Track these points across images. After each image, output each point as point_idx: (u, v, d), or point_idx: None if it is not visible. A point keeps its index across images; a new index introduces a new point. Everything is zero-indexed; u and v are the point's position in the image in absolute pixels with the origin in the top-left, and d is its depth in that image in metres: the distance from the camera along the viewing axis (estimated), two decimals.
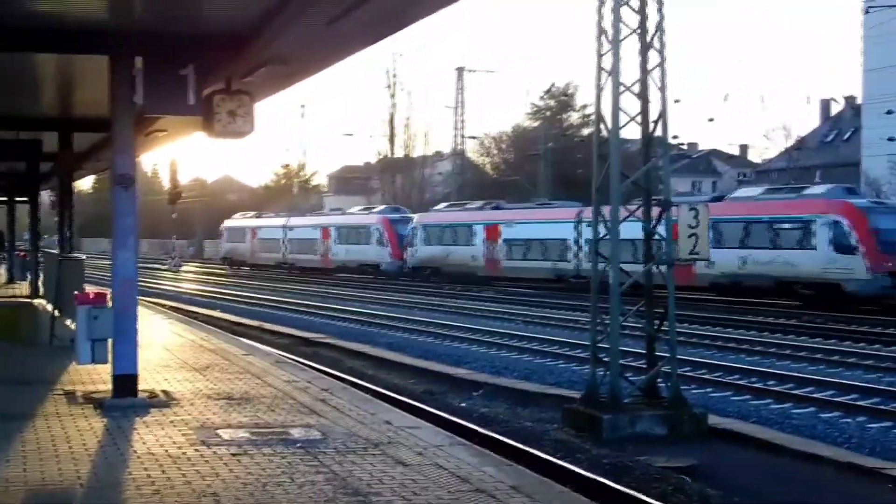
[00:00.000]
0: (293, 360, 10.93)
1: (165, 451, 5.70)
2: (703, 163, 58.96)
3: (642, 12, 9.37)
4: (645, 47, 9.40)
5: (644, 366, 10.58)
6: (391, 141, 64.64)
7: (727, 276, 24.33)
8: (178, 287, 32.98)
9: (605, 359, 9.39)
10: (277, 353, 11.29)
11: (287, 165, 76.52)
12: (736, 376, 12.74)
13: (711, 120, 78.26)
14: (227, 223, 52.45)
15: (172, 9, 6.52)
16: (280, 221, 47.13)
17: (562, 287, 29.47)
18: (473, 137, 57.58)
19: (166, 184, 53.32)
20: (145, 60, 7.32)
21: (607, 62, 9.32)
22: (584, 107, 56.98)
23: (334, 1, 5.44)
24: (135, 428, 6.48)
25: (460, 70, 53.65)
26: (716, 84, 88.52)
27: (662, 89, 9.32)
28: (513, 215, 33.01)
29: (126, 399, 7.57)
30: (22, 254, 14.73)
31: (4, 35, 7.09)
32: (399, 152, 64.40)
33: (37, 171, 16.79)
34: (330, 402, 7.63)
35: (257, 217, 50.43)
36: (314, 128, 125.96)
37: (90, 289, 8.56)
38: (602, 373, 9.43)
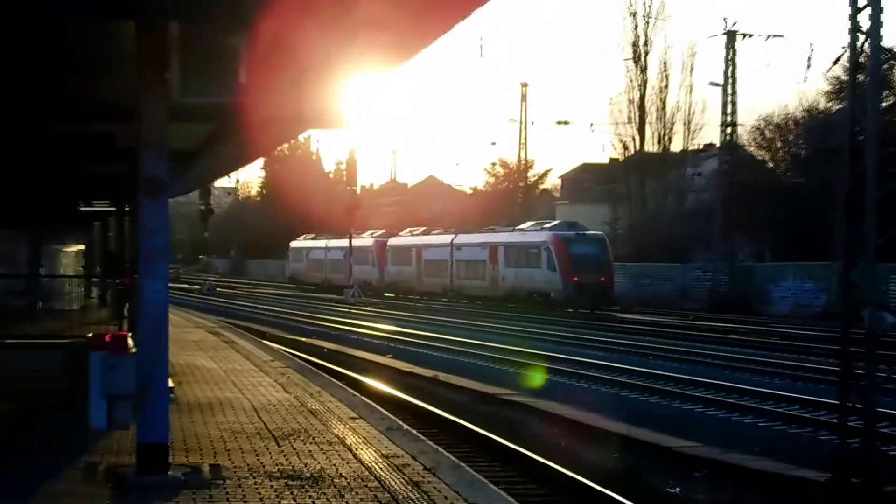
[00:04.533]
0: (408, 428, 10.46)
1: None
2: None
3: None
4: None
5: None
6: (640, 131, 62.98)
7: None
8: (347, 325, 34.62)
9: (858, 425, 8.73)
10: (392, 419, 10.90)
11: (505, 163, 77.14)
12: None
13: None
14: (392, 241, 58.16)
15: None
16: (447, 239, 52.40)
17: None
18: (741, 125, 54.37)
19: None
20: (182, 27, 7.14)
21: (864, 20, 8.49)
22: None
23: None
24: None
25: (731, 34, 50.20)
26: None
27: None
28: None
29: (154, 476, 7.41)
30: (122, 281, 15.64)
31: None
32: (652, 145, 62.61)
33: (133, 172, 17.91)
34: (424, 487, 7.49)
35: (424, 234, 56.52)
36: (537, 115, 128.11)
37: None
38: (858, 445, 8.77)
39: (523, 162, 72.38)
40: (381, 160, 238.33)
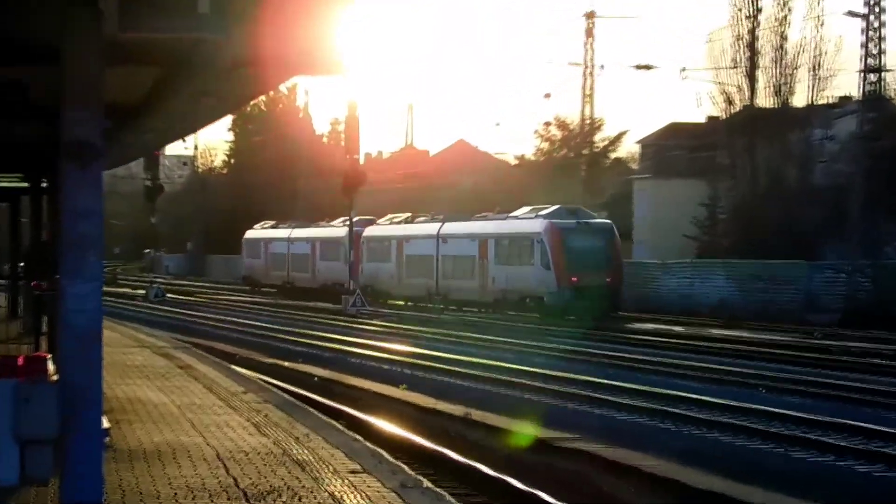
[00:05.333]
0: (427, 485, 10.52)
1: None
2: None
3: None
4: None
5: None
6: (751, 79, 62.67)
7: None
8: (346, 345, 34.79)
9: None
10: (406, 472, 10.96)
11: (563, 123, 77.06)
12: None
13: None
14: (368, 230, 60.74)
15: None
16: (433, 229, 55.19)
17: None
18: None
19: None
20: None
21: None
22: None
23: None
24: None
25: None
26: None
27: None
28: None
29: None
30: (39, 284, 15.65)
31: None
32: (766, 99, 62.33)
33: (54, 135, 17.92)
34: None
35: (408, 222, 59.28)
36: (608, 58, 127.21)
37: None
38: None
39: (588, 121, 72.37)
40: (392, 120, 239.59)
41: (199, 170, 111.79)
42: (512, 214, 51.25)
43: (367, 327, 42.45)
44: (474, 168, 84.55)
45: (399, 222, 59.92)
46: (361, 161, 65.34)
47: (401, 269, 57.30)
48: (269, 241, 72.81)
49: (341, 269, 60.74)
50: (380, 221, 61.31)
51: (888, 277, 44.91)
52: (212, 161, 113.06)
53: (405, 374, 26.96)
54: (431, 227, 55.77)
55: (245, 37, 8.42)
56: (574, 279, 45.18)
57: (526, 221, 49.18)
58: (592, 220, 48.51)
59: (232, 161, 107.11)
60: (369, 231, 60.49)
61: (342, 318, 47.36)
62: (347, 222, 62.16)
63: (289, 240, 69.76)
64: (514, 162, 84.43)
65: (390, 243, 58.53)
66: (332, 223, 66.01)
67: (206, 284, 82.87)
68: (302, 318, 47.35)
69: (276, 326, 41.58)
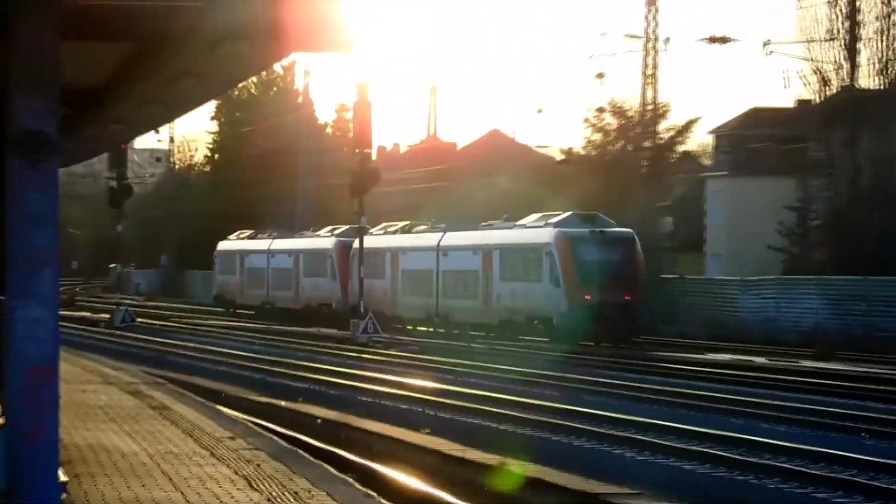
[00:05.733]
0: None
1: None
2: None
3: None
4: None
5: None
6: (850, 54, 62.50)
7: None
8: (355, 381, 35.13)
9: None
10: None
11: (620, 109, 76.92)
12: None
13: None
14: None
15: None
16: (432, 240, 57.20)
17: None
18: None
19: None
20: None
21: None
22: None
23: None
24: None
25: None
26: None
27: None
28: None
29: None
30: None
31: None
32: (870, 78, 62.25)
33: None
34: None
35: (405, 232, 61.30)
36: (674, 29, 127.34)
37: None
38: None
39: (650, 107, 72.19)
40: (412, 106, 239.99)
41: (176, 167, 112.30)
42: (519, 223, 52.91)
43: (381, 358, 42.66)
44: (511, 164, 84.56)
45: (394, 232, 61.29)
46: (374, 156, 65.69)
47: (396, 286, 58.99)
48: (245, 254, 73.85)
49: (328, 287, 62.09)
50: (373, 231, 62.35)
51: None
52: (191, 157, 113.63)
53: (428, 416, 26.99)
54: (431, 238, 57.39)
55: (232, 3, 8.45)
56: (587, 297, 46.69)
57: (533, 231, 50.90)
58: (610, 229, 49.96)
59: (216, 157, 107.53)
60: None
61: (351, 347, 47.61)
62: (335, 232, 63.30)
63: (269, 252, 70.86)
64: (559, 157, 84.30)
65: (384, 256, 59.96)
66: (318, 233, 67.18)
67: (185, 306, 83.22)
68: (302, 348, 47.62)
69: (271, 358, 41.77)
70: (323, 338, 53.33)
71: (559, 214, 50.93)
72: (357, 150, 54.09)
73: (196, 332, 58.41)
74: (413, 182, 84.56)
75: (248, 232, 75.71)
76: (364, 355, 43.78)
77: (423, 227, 59.87)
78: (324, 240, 65.05)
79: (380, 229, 62.62)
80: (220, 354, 43.04)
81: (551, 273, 48.04)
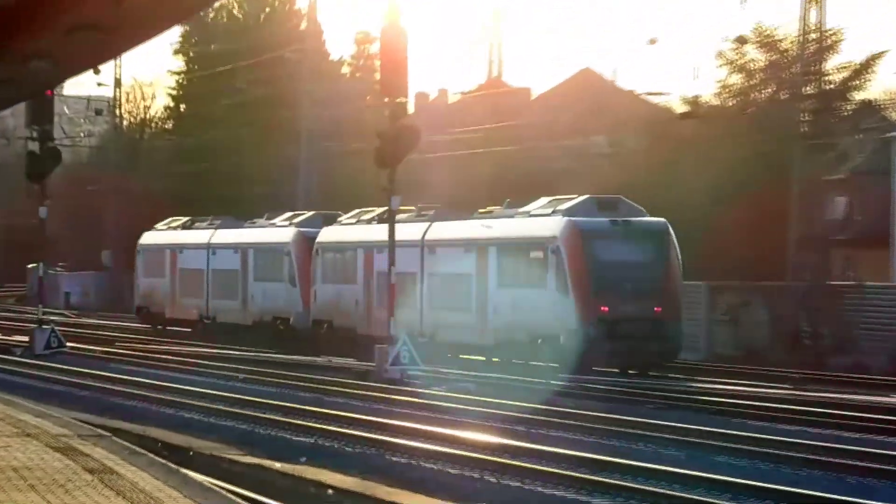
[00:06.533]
0: None
1: None
2: None
3: None
4: None
5: None
6: None
7: None
8: (383, 431, 35.61)
9: None
10: None
11: (769, 39, 76.72)
12: None
13: None
14: (325, 233, 65.47)
15: None
16: (416, 231, 59.73)
17: None
18: None
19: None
20: None
21: None
22: None
23: None
24: None
25: None
26: None
27: None
28: None
29: None
30: None
31: None
32: None
33: None
34: None
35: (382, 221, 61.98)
36: None
37: None
38: None
39: (814, 35, 72.08)
40: (465, 40, 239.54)
41: (125, 123, 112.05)
42: (522, 209, 54.95)
43: (419, 401, 42.58)
44: (610, 117, 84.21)
45: (369, 221, 62.73)
46: (411, 108, 65.49)
47: (370, 295, 60.47)
48: (177, 250, 75.01)
49: (286, 295, 63.53)
50: (342, 219, 64.34)
51: None
52: (146, 108, 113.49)
53: (488, 486, 27.13)
54: (414, 230, 58.59)
55: None
56: (604, 308, 48.26)
57: (537, 221, 52.93)
58: (637, 219, 51.16)
59: (181, 108, 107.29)
60: (326, 234, 63.49)
61: (376, 385, 47.82)
62: (296, 220, 65.28)
63: (209, 248, 72.07)
64: (680, 109, 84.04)
65: (355, 254, 61.64)
66: (274, 220, 68.51)
67: (135, 325, 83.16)
68: (305, 385, 47.84)
69: (262, 399, 41.79)
70: (335, 370, 53.67)
71: (571, 199, 52.18)
72: (386, 100, 53.93)
73: (153, 361, 58.48)
74: (468, 145, 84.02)
75: (183, 219, 76.94)
76: (395, 396, 43.79)
77: (406, 216, 60.53)
78: (280, 231, 66.23)
79: (351, 217, 64.12)
80: (188, 394, 43.18)
81: (558, 277, 49.43)
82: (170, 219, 78.29)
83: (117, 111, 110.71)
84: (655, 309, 48.60)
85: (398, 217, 58.62)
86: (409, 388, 46.70)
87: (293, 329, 63.19)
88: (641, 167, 68.43)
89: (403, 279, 57.04)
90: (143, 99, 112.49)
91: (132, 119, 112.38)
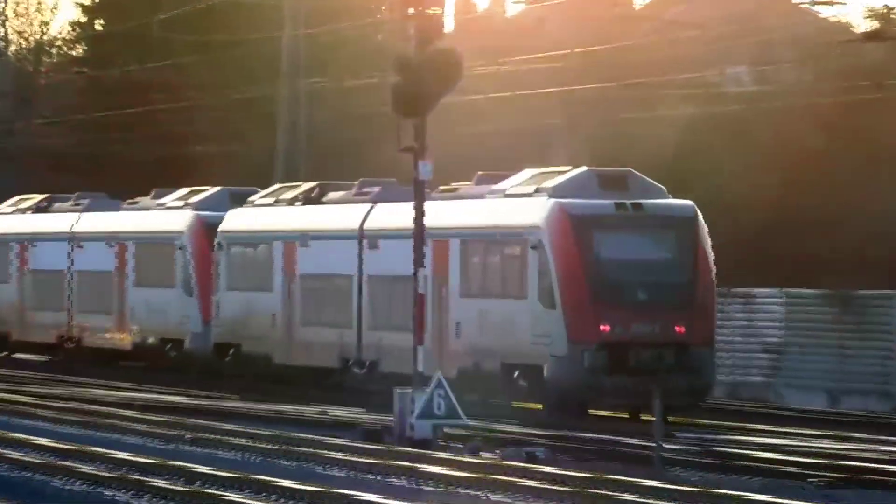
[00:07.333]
0: None
1: None
2: None
3: None
4: None
5: None
6: None
7: None
8: None
9: None
10: None
11: None
12: None
13: None
14: (230, 218, 69.43)
15: None
16: (353, 217, 62.45)
17: None
18: None
19: None
20: None
21: None
22: None
23: None
24: None
25: None
26: None
27: None
28: None
29: None
30: None
31: None
32: None
33: None
34: None
35: (309, 200, 67.41)
36: None
37: None
38: None
39: None
40: None
41: (12, 47, 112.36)
42: (497, 186, 56.10)
43: (460, 474, 42.09)
44: (758, 39, 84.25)
45: (290, 200, 64.95)
46: (449, 25, 64.60)
47: (291, 306, 62.38)
48: (29, 242, 77.28)
49: (178, 306, 66.13)
50: (254, 198, 66.95)
51: None
52: (44, 24, 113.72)
53: None
54: (351, 215, 61.33)
55: None
56: (605, 328, 49.63)
57: (514, 202, 54.40)
58: (652, 201, 52.39)
59: (98, 24, 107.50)
60: (230, 221, 66.36)
61: (393, 449, 47.93)
62: (193, 200, 68.43)
63: (72, 239, 73.70)
64: (863, 27, 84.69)
65: (270, 249, 64.13)
66: (163, 200, 71.03)
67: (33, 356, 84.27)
68: (285, 450, 47.96)
69: (219, 472, 40.91)
70: (330, 427, 53.80)
71: (562, 172, 53.89)
72: (411, 11, 52.80)
73: (54, 411, 58.45)
74: (534, 76, 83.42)
75: (38, 198, 78.85)
76: (423, 467, 43.50)
77: (339, 195, 63.58)
78: (171, 216, 68.86)
79: (268, 195, 66.83)
80: (105, 462, 42.86)
81: (541, 283, 50.87)
82: (17, 197, 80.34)
83: (0, 30, 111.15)
84: (677, 328, 49.41)
85: (328, 195, 63.74)
86: (448, 455, 46.39)
87: (189, 355, 64.67)
88: (806, 116, 68.30)
89: (335, 284, 60.95)
90: (40, 11, 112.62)
91: (23, 42, 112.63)
